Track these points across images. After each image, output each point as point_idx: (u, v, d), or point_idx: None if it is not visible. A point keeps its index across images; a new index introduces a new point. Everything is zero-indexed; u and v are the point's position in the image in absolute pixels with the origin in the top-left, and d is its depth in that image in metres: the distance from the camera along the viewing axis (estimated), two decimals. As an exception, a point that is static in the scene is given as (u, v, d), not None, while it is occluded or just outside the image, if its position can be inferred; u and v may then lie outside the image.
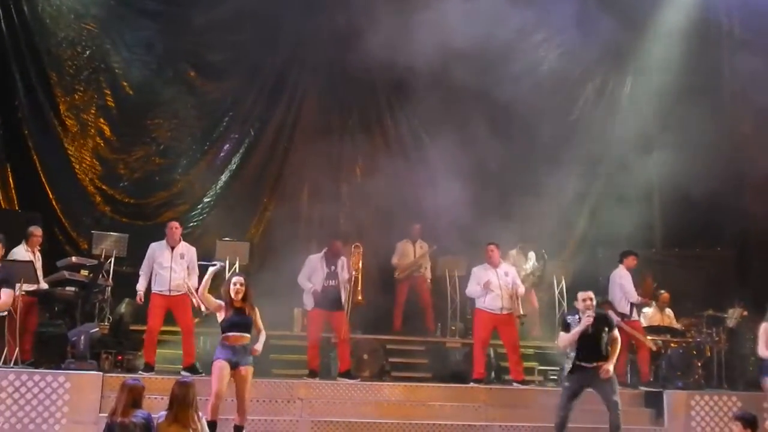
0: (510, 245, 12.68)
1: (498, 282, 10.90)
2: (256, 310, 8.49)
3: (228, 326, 8.32)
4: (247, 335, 8.33)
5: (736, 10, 14.41)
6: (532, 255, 12.91)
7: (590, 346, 8.70)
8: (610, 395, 8.75)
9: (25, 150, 12.88)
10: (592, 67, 15.12)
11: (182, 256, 10.41)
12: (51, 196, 12.86)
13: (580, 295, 8.92)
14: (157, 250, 10.43)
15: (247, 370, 8.28)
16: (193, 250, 10.64)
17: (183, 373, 9.99)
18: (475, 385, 10.66)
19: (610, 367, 8.70)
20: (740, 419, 7.31)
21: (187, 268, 10.41)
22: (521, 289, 11.08)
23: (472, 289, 11.14)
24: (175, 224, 10.66)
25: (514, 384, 10.82)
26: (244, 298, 8.38)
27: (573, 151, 14.17)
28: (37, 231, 10.76)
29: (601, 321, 8.86)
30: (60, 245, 12.57)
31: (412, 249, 13.07)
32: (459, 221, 12.43)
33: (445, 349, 11.99)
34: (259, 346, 8.43)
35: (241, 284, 8.38)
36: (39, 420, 8.89)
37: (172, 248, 10.41)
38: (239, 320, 8.31)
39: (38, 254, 10.69)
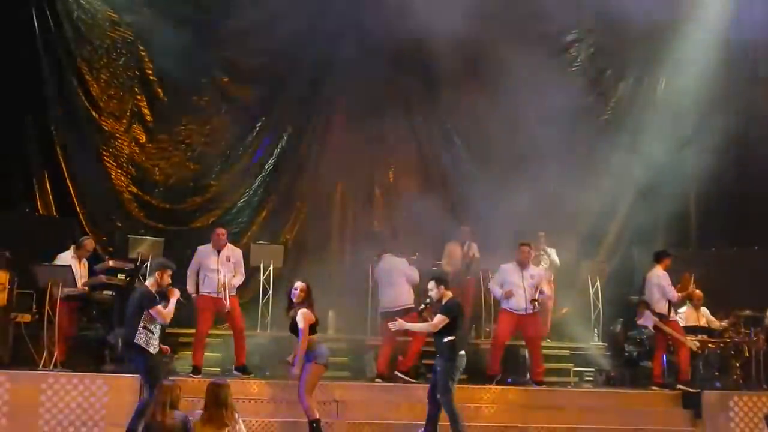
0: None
1: (522, 283, 10.87)
2: (300, 313, 8.66)
3: (290, 330, 8.83)
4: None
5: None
6: (552, 252, 12.76)
7: None
8: None
9: (60, 156, 13.02)
10: (625, 66, 14.98)
11: (228, 259, 10.59)
12: (77, 203, 12.99)
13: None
14: (203, 253, 10.59)
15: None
16: (238, 252, 10.85)
17: (234, 372, 10.20)
18: (490, 386, 10.61)
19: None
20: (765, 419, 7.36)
21: (234, 269, 10.58)
22: (546, 291, 11.11)
23: (495, 289, 11.18)
24: (222, 231, 10.82)
25: (533, 385, 10.75)
26: (300, 303, 8.69)
27: (606, 150, 14.02)
28: (90, 244, 10.91)
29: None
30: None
31: (460, 251, 12.90)
32: (491, 222, 12.38)
33: (480, 350, 11.85)
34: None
35: (301, 290, 8.77)
36: (78, 423, 8.98)
37: (218, 251, 10.54)
38: (293, 325, 8.73)
39: (84, 261, 10.81)
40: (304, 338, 8.58)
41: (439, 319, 8.82)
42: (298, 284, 8.82)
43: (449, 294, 9.05)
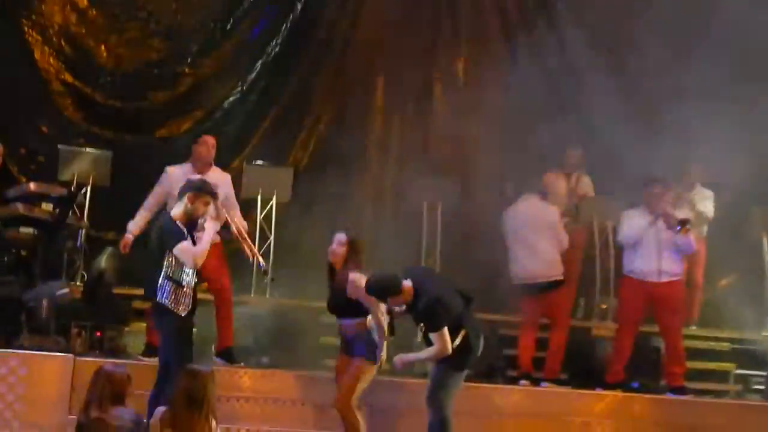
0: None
1: (655, 235, 10.83)
2: (351, 282, 8.50)
3: (330, 309, 8.94)
4: (352, 320, 8.59)
5: None
6: (710, 194, 12.52)
7: None
8: None
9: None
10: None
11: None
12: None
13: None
14: (176, 177, 10.14)
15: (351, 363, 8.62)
16: (226, 177, 10.70)
17: (215, 359, 10.06)
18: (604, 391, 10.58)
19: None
20: None
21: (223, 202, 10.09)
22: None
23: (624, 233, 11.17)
24: (211, 140, 10.65)
25: (669, 394, 10.73)
26: (345, 265, 8.63)
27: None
28: None
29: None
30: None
31: (565, 185, 12.60)
32: (614, 145, 12.07)
33: (590, 337, 11.90)
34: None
35: (341, 244, 8.70)
36: (-19, 421, 9.02)
37: (201, 174, 10.22)
38: (334, 301, 8.74)
39: None
40: (377, 315, 8.46)
41: (440, 339, 8.50)
42: (339, 237, 8.76)
43: (408, 287, 8.56)
